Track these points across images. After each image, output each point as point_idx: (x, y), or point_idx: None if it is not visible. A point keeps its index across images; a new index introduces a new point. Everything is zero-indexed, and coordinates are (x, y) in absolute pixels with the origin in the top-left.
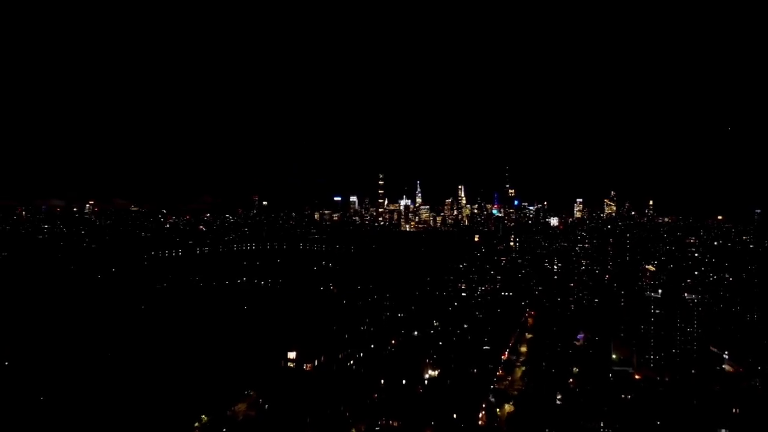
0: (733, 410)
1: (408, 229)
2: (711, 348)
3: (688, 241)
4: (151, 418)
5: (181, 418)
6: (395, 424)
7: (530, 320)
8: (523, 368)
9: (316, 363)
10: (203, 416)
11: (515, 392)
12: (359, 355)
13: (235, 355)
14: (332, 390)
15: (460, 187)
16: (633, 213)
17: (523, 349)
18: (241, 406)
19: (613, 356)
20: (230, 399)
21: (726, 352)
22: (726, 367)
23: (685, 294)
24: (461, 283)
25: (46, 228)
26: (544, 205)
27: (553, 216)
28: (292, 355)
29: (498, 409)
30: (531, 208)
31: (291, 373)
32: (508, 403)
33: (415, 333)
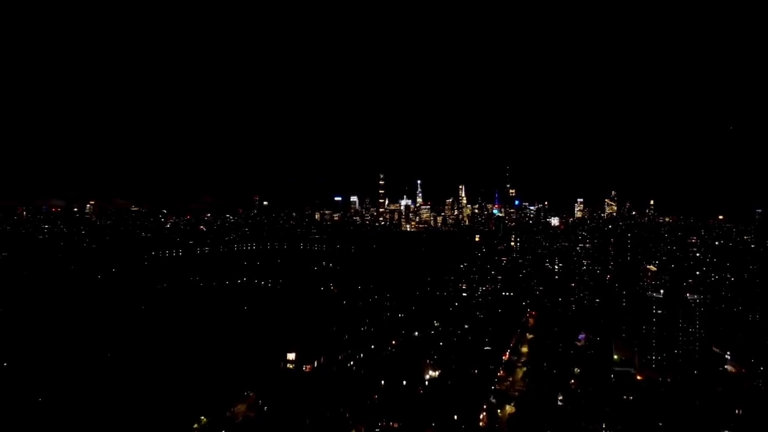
0: (736, 411)
1: (409, 229)
2: (713, 348)
3: (689, 240)
4: (150, 419)
5: (180, 419)
6: (395, 425)
7: (531, 320)
8: (524, 369)
9: (315, 364)
10: (202, 417)
11: (516, 393)
12: (359, 355)
13: (234, 355)
14: (332, 391)
15: (460, 186)
16: (634, 213)
17: (524, 349)
18: (240, 407)
19: (615, 357)
20: (229, 400)
21: (728, 353)
22: (728, 367)
23: (687, 294)
24: (462, 283)
25: (46, 228)
26: (544, 204)
27: (554, 216)
28: (291, 356)
29: (499, 410)
30: (532, 207)
31: (290, 374)
32: (509, 404)
33: (416, 333)
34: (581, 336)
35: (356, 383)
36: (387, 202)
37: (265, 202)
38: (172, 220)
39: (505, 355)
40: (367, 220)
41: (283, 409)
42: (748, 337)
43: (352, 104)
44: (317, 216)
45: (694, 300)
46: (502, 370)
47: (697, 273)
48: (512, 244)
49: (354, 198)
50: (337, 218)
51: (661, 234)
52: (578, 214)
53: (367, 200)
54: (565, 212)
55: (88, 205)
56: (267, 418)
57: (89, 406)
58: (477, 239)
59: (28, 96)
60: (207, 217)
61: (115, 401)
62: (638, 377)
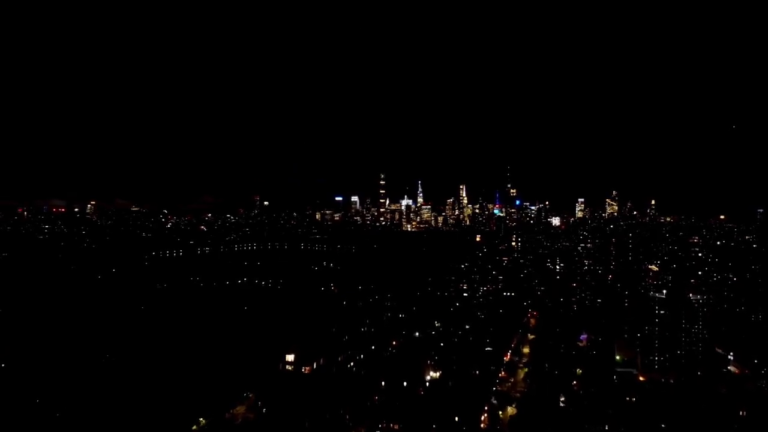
0: (740, 412)
1: (409, 229)
2: (716, 349)
3: (690, 240)
4: (149, 421)
5: (179, 421)
6: (396, 426)
7: (532, 321)
8: (526, 370)
9: (315, 365)
10: (201, 419)
11: (518, 394)
12: (359, 356)
13: (234, 356)
14: (332, 392)
15: (461, 186)
16: (635, 212)
17: (526, 350)
18: (239, 409)
19: (617, 357)
20: (229, 401)
21: (731, 353)
22: (731, 368)
23: (689, 294)
24: (463, 284)
25: (46, 228)
26: (545, 204)
27: (555, 216)
28: (291, 357)
29: (500, 412)
30: (533, 207)
31: (290, 375)
32: (511, 405)
33: (417, 334)
34: (583, 336)
35: (356, 384)
36: (388, 202)
37: (265, 202)
38: (172, 221)
39: (507, 356)
40: (368, 220)
41: (282, 410)
42: (751, 337)
43: (353, 104)
44: (318, 216)
45: (697, 300)
46: (504, 371)
47: (699, 273)
48: (513, 244)
49: (355, 198)
50: (337, 218)
51: (662, 234)
52: (579, 214)
53: (368, 200)
54: (566, 212)
55: (88, 205)
56: (266, 419)
57: (88, 407)
58: (478, 239)
59: (29, 96)
60: (207, 217)
61: (114, 402)
62: (641, 378)
